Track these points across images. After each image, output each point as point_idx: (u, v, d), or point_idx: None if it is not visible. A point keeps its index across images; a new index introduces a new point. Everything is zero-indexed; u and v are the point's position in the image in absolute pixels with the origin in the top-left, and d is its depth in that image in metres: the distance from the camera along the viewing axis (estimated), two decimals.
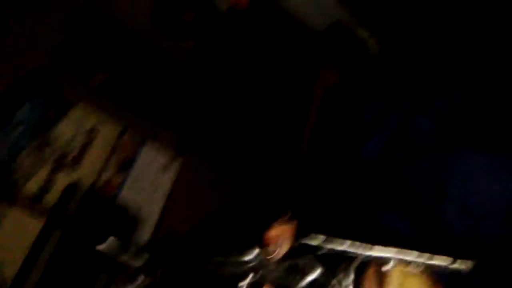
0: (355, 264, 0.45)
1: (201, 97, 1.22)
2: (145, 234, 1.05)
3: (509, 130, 0.50)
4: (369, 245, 0.46)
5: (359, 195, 0.63)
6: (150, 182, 1.12)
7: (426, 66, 0.64)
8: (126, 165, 1.11)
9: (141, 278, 0.52)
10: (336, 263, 0.45)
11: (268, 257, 0.48)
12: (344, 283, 0.44)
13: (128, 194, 1.08)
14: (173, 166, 1.16)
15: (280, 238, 0.51)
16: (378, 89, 0.66)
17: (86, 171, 1.05)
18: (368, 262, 0.46)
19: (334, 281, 0.44)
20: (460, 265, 0.44)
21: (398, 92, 0.61)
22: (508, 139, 0.49)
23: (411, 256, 0.45)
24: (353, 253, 0.46)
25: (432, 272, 0.47)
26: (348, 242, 0.47)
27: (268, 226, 0.51)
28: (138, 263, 0.53)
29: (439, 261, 0.45)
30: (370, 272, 0.46)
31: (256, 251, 0.47)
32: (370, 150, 0.59)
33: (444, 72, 0.60)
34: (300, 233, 0.49)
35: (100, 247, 0.53)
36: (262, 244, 0.48)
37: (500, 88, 0.52)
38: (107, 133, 1.11)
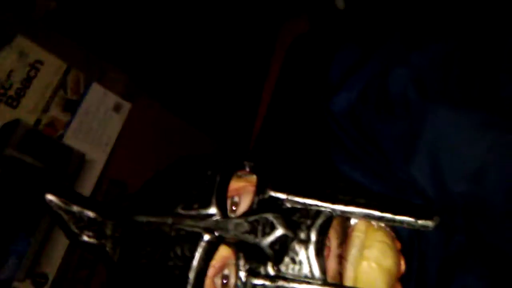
0: (319, 220, 0.43)
1: (156, 34, 1.15)
2: (90, 180, 1.00)
3: (485, 86, 0.48)
4: (334, 200, 0.45)
5: (323, 147, 0.61)
6: (97, 125, 1.06)
7: (402, 17, 0.61)
8: (72, 105, 1.04)
9: (87, 235, 0.49)
10: (298, 220, 0.44)
11: (227, 213, 0.45)
12: (307, 240, 0.43)
13: (73, 136, 1.02)
14: (122, 108, 1.10)
15: (240, 193, 0.48)
16: (351, 39, 0.62)
17: (28, 109, 0.97)
18: (332, 217, 0.44)
19: (296, 239, 0.43)
20: (423, 223, 0.43)
21: (373, 43, 0.58)
22: (484, 96, 0.48)
23: (375, 213, 0.44)
24: (316, 208, 0.44)
25: (394, 228, 0.47)
26: (312, 196, 0.45)
27: (227, 180, 0.47)
28: (85, 218, 0.50)
29: (402, 219, 0.44)
30: (334, 226, 0.44)
31: (215, 206, 0.44)
32: (340, 102, 0.56)
33: (421, 23, 0.57)
34: (260, 188, 0.46)
35: (47, 198, 0.50)
36: (221, 198, 0.45)
37: (479, 43, 0.50)
38: (51, 68, 1.02)
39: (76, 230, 0.49)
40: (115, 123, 1.08)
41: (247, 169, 0.50)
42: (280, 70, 1.08)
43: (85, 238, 0.49)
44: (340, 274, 0.43)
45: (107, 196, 1.03)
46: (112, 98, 1.09)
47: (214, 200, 0.44)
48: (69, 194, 0.52)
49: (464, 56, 0.50)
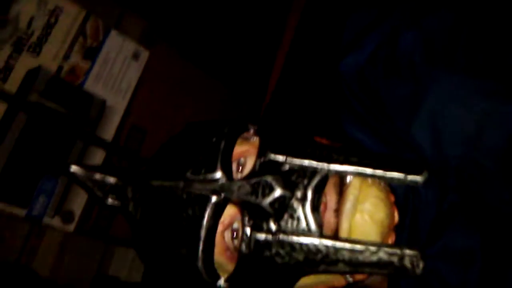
0: (315, 179, 0.48)
1: None
2: (111, 126, 1.05)
3: (491, 56, 0.49)
4: (329, 160, 0.48)
5: (333, 107, 0.64)
6: (116, 72, 1.09)
7: None
8: (91, 52, 1.07)
9: (111, 198, 0.55)
10: (296, 180, 0.48)
11: (232, 176, 0.49)
12: (304, 198, 0.47)
13: (93, 84, 1.06)
14: (141, 55, 1.13)
15: (245, 155, 0.52)
16: (367, 1, 0.63)
17: (49, 56, 1.01)
18: (327, 176, 0.48)
19: (294, 197, 0.47)
20: (412, 179, 0.47)
21: (388, 7, 0.59)
22: (490, 65, 0.49)
23: (367, 170, 0.48)
24: (313, 168, 0.48)
25: (389, 184, 0.50)
26: (309, 157, 0.49)
27: (231, 146, 0.52)
28: (107, 184, 0.55)
29: (392, 175, 0.48)
30: (330, 184, 0.48)
31: (220, 170, 0.49)
32: (350, 63, 0.58)
33: None
34: (262, 151, 0.50)
35: (72, 168, 0.55)
36: (226, 163, 0.50)
37: (489, 14, 0.51)
38: (71, 15, 1.04)
39: (101, 195, 0.55)
40: (134, 71, 1.12)
41: (251, 131, 0.54)
42: (295, 30, 1.08)
43: (110, 201, 0.55)
44: (336, 227, 0.47)
45: (128, 141, 1.08)
46: (130, 46, 1.11)
47: (219, 165, 0.49)
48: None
49: (473, 25, 0.51)
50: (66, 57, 1.03)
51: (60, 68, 1.03)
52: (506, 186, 0.43)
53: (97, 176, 0.55)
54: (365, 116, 0.57)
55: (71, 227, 0.99)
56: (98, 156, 1.04)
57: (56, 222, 0.98)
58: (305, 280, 0.49)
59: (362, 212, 0.47)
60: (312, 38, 0.97)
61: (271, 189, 0.46)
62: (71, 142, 1.01)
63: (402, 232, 0.51)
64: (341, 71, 0.59)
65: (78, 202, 1.00)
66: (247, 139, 0.54)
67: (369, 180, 0.49)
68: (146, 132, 1.10)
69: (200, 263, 0.47)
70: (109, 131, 1.06)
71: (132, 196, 0.53)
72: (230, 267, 0.49)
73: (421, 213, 0.51)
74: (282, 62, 1.06)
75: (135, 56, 1.12)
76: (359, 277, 0.51)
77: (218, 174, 0.48)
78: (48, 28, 1.01)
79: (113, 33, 1.09)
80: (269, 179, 0.46)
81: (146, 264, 0.57)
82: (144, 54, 1.13)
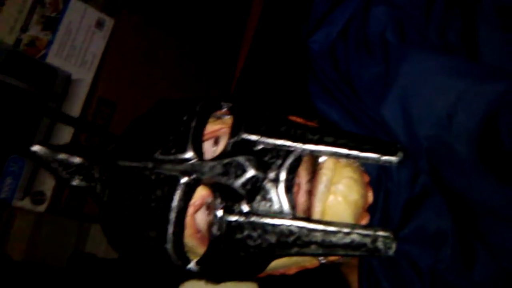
0: (288, 160, 0.47)
1: None
2: (78, 100, 1.02)
3: (464, 33, 0.48)
4: (303, 140, 0.47)
5: (303, 84, 0.63)
6: (80, 43, 1.05)
7: None
8: (52, 23, 1.02)
9: (77, 179, 0.53)
10: (269, 160, 0.47)
11: (203, 156, 0.48)
12: (276, 179, 0.46)
13: (56, 56, 1.01)
14: (105, 24, 1.08)
15: (217, 135, 0.51)
16: None
17: (5, 29, 0.96)
18: (301, 157, 0.47)
19: (267, 178, 0.46)
20: (387, 159, 0.47)
21: None
22: (463, 43, 0.48)
23: (341, 151, 0.47)
24: (286, 148, 0.47)
25: (363, 164, 0.50)
26: (282, 137, 0.48)
27: (202, 124, 0.50)
28: (72, 164, 0.53)
29: (367, 155, 0.47)
30: (304, 165, 0.48)
31: (191, 150, 0.47)
32: (320, 39, 0.56)
33: None
34: (235, 130, 0.49)
35: (33, 149, 0.52)
36: (197, 142, 0.48)
37: None
38: None
39: (66, 176, 0.53)
40: (99, 41, 1.07)
41: (224, 110, 0.52)
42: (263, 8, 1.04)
43: (76, 182, 0.53)
44: (309, 208, 0.47)
45: (96, 115, 1.05)
46: (93, 14, 1.06)
47: (190, 145, 0.47)
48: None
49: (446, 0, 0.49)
50: (24, 29, 0.99)
51: (18, 41, 0.98)
52: (475, 170, 0.43)
53: (62, 156, 0.52)
54: (335, 94, 0.56)
55: (43, 207, 0.97)
56: (66, 133, 1.01)
57: (26, 203, 0.97)
58: (277, 262, 0.49)
59: (335, 194, 0.46)
60: (281, 10, 0.94)
61: (243, 170, 0.45)
62: (36, 120, 0.98)
63: (375, 213, 0.51)
64: (310, 48, 0.57)
65: (48, 182, 0.98)
66: (219, 118, 0.52)
67: (343, 160, 0.48)
68: (115, 105, 1.07)
69: (169, 246, 0.46)
70: (76, 106, 1.03)
71: (99, 177, 0.52)
72: (201, 250, 0.48)
73: (394, 195, 0.50)
74: (252, 33, 1.03)
75: (99, 25, 1.07)
76: (331, 258, 0.51)
77: (189, 154, 0.47)
78: None
79: (74, 1, 1.04)
80: (241, 159, 0.45)
81: (114, 247, 0.55)
82: (109, 23, 1.08)
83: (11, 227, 0.96)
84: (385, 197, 0.51)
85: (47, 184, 0.98)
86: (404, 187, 0.50)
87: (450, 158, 0.44)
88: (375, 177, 0.51)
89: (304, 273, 0.55)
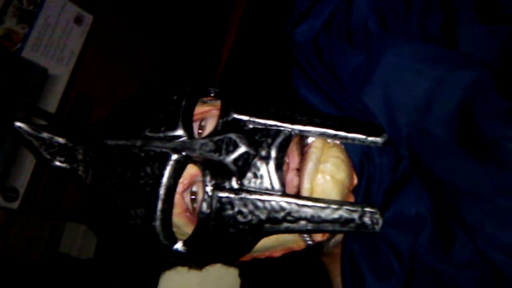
0: (278, 139, 0.48)
1: None
2: (54, 96, 1.01)
3: (445, 22, 0.51)
4: (293, 121, 0.49)
5: (287, 72, 0.65)
6: (58, 38, 1.04)
7: None
8: (28, 16, 1.02)
9: (59, 160, 0.53)
10: (260, 139, 0.48)
11: (193, 134, 0.49)
12: (267, 157, 0.48)
13: (33, 50, 1.01)
14: (84, 20, 1.08)
15: (205, 116, 0.52)
16: None
17: None
18: (291, 136, 0.49)
19: (258, 156, 0.48)
20: (372, 140, 0.50)
21: None
22: (443, 32, 0.51)
23: (329, 131, 0.49)
24: (276, 128, 0.49)
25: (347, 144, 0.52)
26: (272, 117, 0.49)
27: (193, 103, 0.51)
28: (55, 144, 0.53)
29: (354, 136, 0.50)
30: (293, 144, 0.50)
31: (181, 128, 0.48)
32: (304, 31, 0.59)
33: None
34: (225, 111, 0.50)
35: (16, 125, 0.52)
36: (187, 120, 0.49)
37: None
38: None
39: (47, 156, 0.53)
40: (77, 36, 1.07)
41: (212, 95, 0.54)
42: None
43: (57, 163, 0.53)
44: (298, 186, 0.48)
45: (73, 112, 1.05)
46: (72, 9, 1.07)
47: (180, 123, 0.48)
48: (38, 116, 0.54)
49: None
50: (0, 20, 0.98)
51: None
52: (453, 153, 0.46)
53: (45, 135, 0.53)
54: (319, 84, 0.58)
55: (15, 204, 0.95)
56: None
57: None
58: (264, 242, 0.50)
59: (323, 172, 0.49)
60: (266, 3, 0.97)
61: (235, 146, 0.46)
62: (10, 114, 0.96)
63: (357, 198, 0.53)
64: (295, 40, 0.59)
65: (22, 178, 0.97)
66: (207, 102, 0.54)
67: (331, 141, 0.50)
68: (93, 102, 1.07)
69: (158, 224, 0.47)
70: (52, 102, 1.02)
71: (83, 158, 0.52)
72: (188, 229, 0.49)
73: (375, 181, 0.53)
74: (236, 29, 1.05)
75: (78, 20, 1.08)
76: (318, 238, 0.53)
77: (179, 131, 0.48)
78: None
79: None
80: (233, 136, 0.47)
81: (98, 232, 0.55)
82: (88, 18, 1.08)
83: None
84: (367, 183, 0.53)
85: (21, 181, 0.96)
86: (385, 173, 0.52)
87: (429, 143, 0.47)
88: (357, 163, 0.53)
89: (285, 262, 0.57)
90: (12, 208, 0.95)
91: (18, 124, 0.52)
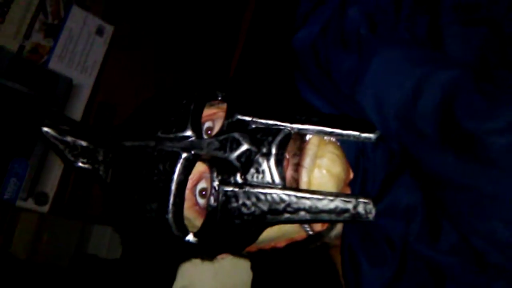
0: (278, 137, 0.53)
1: None
2: (79, 104, 1.08)
3: (431, 26, 0.54)
4: (292, 120, 0.54)
5: (291, 76, 0.69)
6: (81, 49, 1.11)
7: None
8: (53, 30, 1.09)
9: (82, 161, 0.59)
10: (261, 137, 0.53)
11: (202, 135, 0.54)
12: (268, 153, 0.52)
13: (58, 62, 1.08)
14: (105, 30, 1.15)
15: (213, 118, 0.57)
16: None
17: (8, 36, 1.02)
18: (290, 134, 0.54)
19: (259, 153, 0.52)
20: (366, 136, 0.54)
21: None
22: (430, 35, 0.54)
23: (326, 129, 0.54)
24: (277, 127, 0.53)
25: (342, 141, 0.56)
26: (273, 117, 0.54)
27: (201, 106, 0.56)
28: (78, 147, 0.59)
29: (349, 133, 0.54)
30: (292, 141, 0.54)
31: (190, 129, 0.54)
32: (302, 37, 0.63)
33: None
34: (230, 113, 0.55)
35: (43, 130, 0.58)
36: (196, 122, 0.54)
37: None
38: None
39: (71, 158, 0.59)
40: (99, 47, 1.14)
41: (219, 98, 0.59)
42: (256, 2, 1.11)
43: (80, 164, 0.59)
44: (297, 180, 0.53)
45: (97, 119, 1.11)
46: (94, 21, 1.13)
47: (189, 124, 0.53)
48: (63, 122, 0.60)
49: None
50: (27, 36, 1.05)
51: (21, 47, 1.04)
52: (437, 147, 0.49)
53: (68, 138, 0.59)
54: (318, 86, 0.62)
55: (46, 208, 1.02)
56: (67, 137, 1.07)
57: (29, 204, 1.02)
58: (268, 233, 0.55)
59: (320, 167, 0.53)
60: (272, 11, 1.02)
61: (238, 144, 0.51)
62: (38, 123, 1.04)
63: (353, 190, 0.57)
64: (295, 45, 0.64)
65: (51, 183, 1.04)
66: (214, 105, 0.59)
67: (327, 138, 0.55)
68: (115, 109, 1.13)
69: (170, 216, 0.52)
70: (77, 110, 1.09)
71: (103, 159, 0.57)
72: (198, 222, 0.54)
73: (370, 175, 0.57)
74: (244, 37, 1.10)
75: (99, 31, 1.14)
76: (317, 228, 0.57)
77: (189, 132, 0.53)
78: (5, 6, 1.03)
79: (75, 9, 1.11)
80: (236, 135, 0.51)
81: (119, 228, 0.61)
82: (109, 29, 1.15)
83: (15, 227, 1.00)
84: (363, 176, 0.57)
85: (50, 185, 1.03)
86: (379, 167, 0.56)
87: (416, 138, 0.50)
88: (353, 159, 0.57)
89: (295, 255, 0.61)
90: (42, 212, 1.02)
91: (45, 129, 0.58)
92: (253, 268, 0.73)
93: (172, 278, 0.74)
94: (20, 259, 0.99)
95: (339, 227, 0.60)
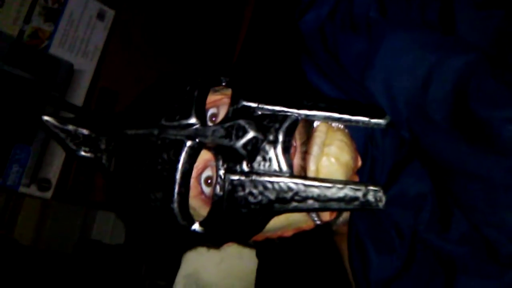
0: (285, 124, 0.52)
1: None
2: (80, 90, 1.07)
3: (443, 10, 0.53)
4: (299, 106, 0.52)
5: (297, 60, 0.68)
6: (82, 34, 1.10)
7: None
8: (54, 14, 1.07)
9: (84, 150, 0.58)
10: (268, 124, 0.52)
11: (206, 122, 0.53)
12: (275, 140, 0.51)
13: (59, 47, 1.07)
14: (106, 15, 1.13)
15: (217, 104, 0.56)
16: None
17: (8, 20, 1.01)
18: (297, 121, 0.52)
19: (266, 140, 0.51)
20: (376, 122, 0.52)
21: None
22: (442, 20, 0.53)
23: (334, 115, 0.52)
24: (283, 113, 0.52)
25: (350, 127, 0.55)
26: (279, 103, 0.53)
27: (205, 93, 0.55)
28: (80, 135, 0.58)
29: (358, 119, 0.53)
30: (299, 128, 0.53)
31: (194, 116, 0.52)
32: (310, 20, 0.62)
33: None
34: (235, 99, 0.54)
35: (44, 119, 0.57)
36: (200, 109, 0.53)
37: None
38: None
39: (73, 147, 0.58)
40: (100, 32, 1.12)
41: (223, 84, 0.57)
42: None
43: (82, 153, 0.58)
44: (304, 168, 0.52)
45: (99, 105, 1.10)
46: (94, 5, 1.12)
47: (193, 111, 0.52)
48: (65, 109, 0.59)
49: None
50: (27, 20, 1.04)
51: (21, 32, 1.03)
52: (449, 135, 0.48)
53: (70, 127, 0.58)
54: (325, 70, 0.61)
55: (48, 194, 1.02)
56: None
57: (32, 190, 1.02)
58: (275, 222, 0.54)
59: (328, 155, 0.52)
60: None
61: (244, 132, 0.49)
62: (40, 109, 1.03)
63: (362, 178, 0.56)
64: (302, 28, 0.62)
65: (54, 169, 1.03)
66: (218, 91, 0.57)
67: (335, 125, 0.53)
68: (117, 94, 1.12)
69: (175, 206, 0.51)
70: (79, 96, 1.08)
71: (106, 148, 0.56)
72: (204, 211, 0.53)
73: (379, 163, 0.56)
74: (248, 21, 1.08)
75: (100, 16, 1.13)
76: (325, 218, 0.56)
77: (193, 120, 0.51)
78: None
79: None
80: (242, 122, 0.50)
81: (123, 216, 0.61)
82: (110, 14, 1.13)
83: (18, 213, 1.00)
84: (371, 164, 0.56)
85: (53, 171, 1.03)
86: (388, 155, 0.55)
87: (427, 124, 0.49)
88: (361, 146, 0.56)
89: (300, 242, 0.60)
90: (46, 198, 1.02)
91: (45, 118, 0.57)
92: (258, 255, 0.73)
93: (177, 265, 0.74)
94: (23, 245, 0.99)
95: (345, 214, 0.59)
